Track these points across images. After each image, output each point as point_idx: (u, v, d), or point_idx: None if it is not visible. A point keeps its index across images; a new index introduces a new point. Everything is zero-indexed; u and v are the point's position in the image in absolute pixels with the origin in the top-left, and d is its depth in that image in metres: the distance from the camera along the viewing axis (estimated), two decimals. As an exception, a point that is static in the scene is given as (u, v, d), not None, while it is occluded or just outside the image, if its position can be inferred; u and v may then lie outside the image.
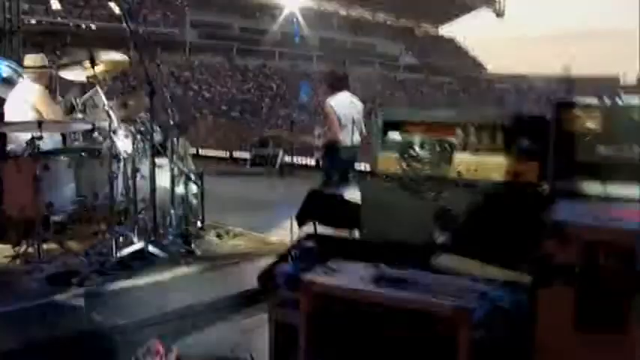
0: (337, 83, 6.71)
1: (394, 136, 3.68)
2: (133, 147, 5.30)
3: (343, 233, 4.48)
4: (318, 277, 2.40)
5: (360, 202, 4.44)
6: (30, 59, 5.86)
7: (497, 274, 2.89)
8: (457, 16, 75.00)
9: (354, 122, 6.46)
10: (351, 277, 2.41)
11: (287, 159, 13.08)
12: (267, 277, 2.97)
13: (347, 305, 2.30)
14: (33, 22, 36.77)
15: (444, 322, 2.16)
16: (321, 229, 4.85)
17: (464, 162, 3.48)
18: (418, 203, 3.44)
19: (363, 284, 2.33)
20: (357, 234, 4.73)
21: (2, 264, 4.82)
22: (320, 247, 3.13)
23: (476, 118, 3.57)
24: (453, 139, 3.58)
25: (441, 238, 3.38)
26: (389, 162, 3.62)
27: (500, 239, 3.22)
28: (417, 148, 3.62)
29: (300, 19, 54.33)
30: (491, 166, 3.43)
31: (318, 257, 3.00)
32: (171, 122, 5.93)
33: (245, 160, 14.03)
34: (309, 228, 5.34)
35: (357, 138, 6.55)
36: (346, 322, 2.34)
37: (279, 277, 2.84)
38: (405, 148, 3.58)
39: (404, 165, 3.57)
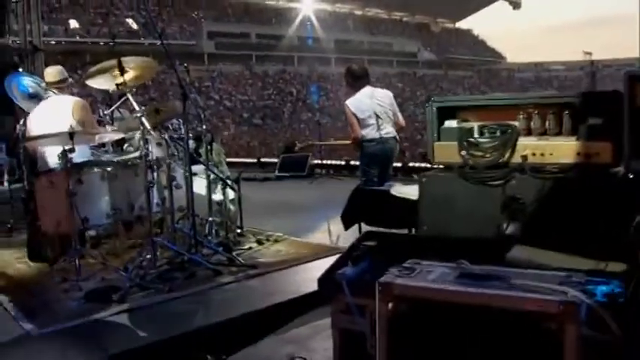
0: (356, 81, 6.53)
1: (451, 123, 3.44)
2: (167, 155, 5.11)
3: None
4: (396, 278, 2.15)
5: (409, 197, 4.23)
6: (51, 73, 5.70)
7: (579, 264, 2.62)
8: (474, 10, 74.47)
9: (377, 116, 6.28)
10: (433, 276, 2.16)
11: (315, 161, 12.89)
12: (328, 281, 2.72)
13: (432, 307, 2.06)
14: (53, 42, 37.09)
15: (546, 319, 1.90)
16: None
17: (529, 146, 3.22)
18: (482, 193, 3.20)
19: (449, 284, 2.08)
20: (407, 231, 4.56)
21: (41, 282, 4.63)
22: (382, 247, 2.89)
23: (539, 98, 3.33)
24: (515, 123, 3.33)
25: (510, 229, 3.13)
26: (447, 151, 3.39)
27: (576, 226, 2.97)
28: (476, 135, 3.38)
29: (315, 22, 54.32)
30: (559, 148, 3.18)
31: (382, 257, 2.77)
32: (204, 127, 5.74)
33: (274, 163, 13.84)
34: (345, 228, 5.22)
35: (387, 130, 6.33)
36: (433, 326, 2.09)
37: (341, 282, 2.59)
38: (463, 136, 3.34)
39: (464, 153, 3.32)
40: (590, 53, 72.14)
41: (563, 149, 3.18)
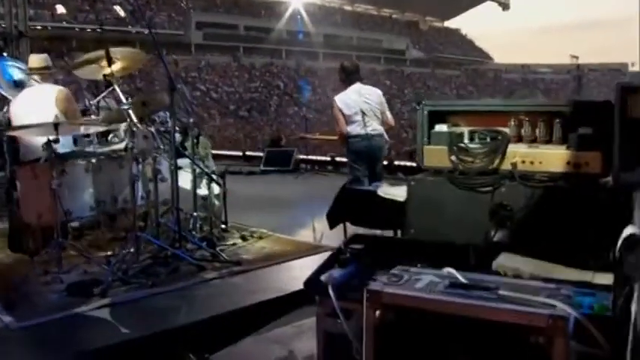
0: (347, 77, 6.61)
1: (441, 128, 3.43)
2: (153, 147, 5.06)
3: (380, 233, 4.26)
4: (386, 286, 2.14)
5: (396, 198, 4.21)
6: (35, 60, 5.59)
7: (565, 274, 2.62)
8: (463, 10, 74.66)
9: (364, 113, 6.37)
10: (421, 284, 2.15)
11: (301, 156, 12.86)
12: (314, 283, 2.70)
13: (420, 316, 2.04)
14: (39, 27, 36.67)
15: (535, 332, 1.89)
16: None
17: (519, 154, 3.21)
18: (471, 199, 3.19)
19: (437, 293, 2.06)
20: (392, 234, 4.54)
21: (21, 274, 4.56)
22: (369, 250, 2.87)
23: (530, 106, 3.32)
24: (505, 130, 3.32)
25: (498, 236, 3.13)
26: (437, 155, 3.37)
27: (564, 236, 2.96)
28: (466, 140, 3.37)
29: (305, 15, 54.17)
30: (549, 157, 3.17)
31: (369, 261, 2.75)
32: (191, 120, 5.69)
33: (259, 157, 13.79)
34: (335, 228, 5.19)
35: (373, 127, 6.40)
36: (420, 335, 2.08)
37: (328, 285, 2.57)
38: (453, 141, 3.33)
39: (453, 158, 3.31)
40: (577, 57, 72.71)
41: (552, 158, 3.17)
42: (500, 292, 2.07)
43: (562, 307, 1.95)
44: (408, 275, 2.24)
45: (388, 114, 6.63)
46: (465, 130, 3.43)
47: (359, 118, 6.37)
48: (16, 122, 5.19)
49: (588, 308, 2.08)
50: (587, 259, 2.68)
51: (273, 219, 6.83)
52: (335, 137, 7.22)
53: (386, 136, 6.60)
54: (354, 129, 6.38)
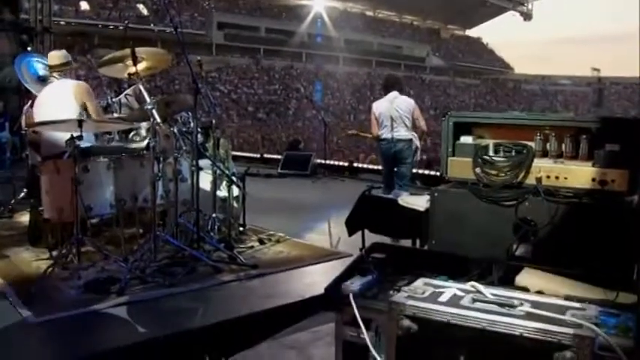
0: (385, 87, 7.63)
1: (467, 139, 3.40)
2: (175, 147, 5.08)
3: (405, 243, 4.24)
4: (409, 298, 2.12)
5: (416, 207, 4.19)
6: (54, 56, 5.60)
7: (588, 293, 2.59)
8: (484, 19, 74.35)
9: (392, 119, 7.28)
10: (444, 298, 2.13)
11: (319, 161, 12.84)
12: (334, 291, 2.69)
13: (442, 330, 2.03)
14: (62, 23, 36.97)
15: (559, 351, 1.87)
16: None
17: (544, 169, 3.18)
18: (494, 212, 3.16)
19: (460, 307, 2.04)
20: (410, 243, 4.52)
21: (40, 269, 4.59)
22: (391, 259, 2.85)
23: (557, 120, 3.29)
24: (531, 144, 3.30)
25: (520, 250, 3.10)
26: (461, 167, 3.35)
27: (587, 253, 2.93)
28: (491, 153, 3.34)
29: (327, 19, 54.20)
30: (574, 173, 3.14)
31: (390, 271, 2.74)
32: (213, 122, 5.70)
33: (276, 160, 13.80)
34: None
35: (399, 133, 7.30)
36: (441, 348, 2.06)
37: (348, 293, 2.56)
38: (478, 153, 3.30)
39: (478, 170, 3.29)
40: (598, 69, 72.06)
41: (578, 174, 3.14)
42: (525, 308, 2.05)
43: (588, 326, 1.92)
44: (431, 288, 2.23)
45: (421, 121, 7.50)
46: (490, 142, 3.41)
47: (388, 123, 7.31)
48: (37, 118, 5.23)
49: (613, 329, 2.06)
50: (610, 277, 2.65)
51: (290, 222, 6.84)
52: (370, 135, 8.10)
53: (417, 142, 7.47)
54: (383, 132, 7.38)
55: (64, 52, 5.67)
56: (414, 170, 10.35)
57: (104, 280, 4.41)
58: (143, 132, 5.45)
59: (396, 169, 7.51)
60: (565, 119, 3.43)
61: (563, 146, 3.26)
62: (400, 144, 7.32)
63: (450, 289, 2.25)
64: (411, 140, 7.36)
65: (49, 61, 5.62)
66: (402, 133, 7.30)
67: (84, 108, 5.08)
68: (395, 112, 7.28)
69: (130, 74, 5.02)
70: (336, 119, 39.27)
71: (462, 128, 3.49)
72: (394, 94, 7.40)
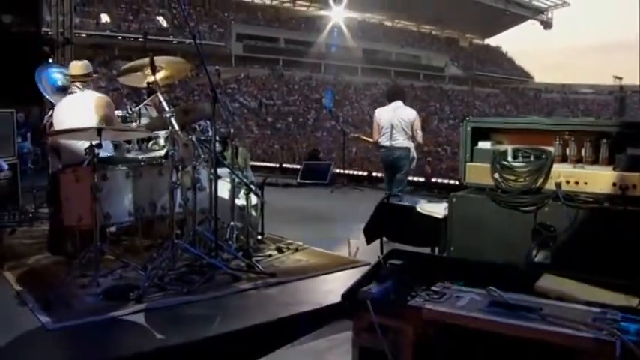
0: (390, 95, 7.93)
1: (485, 145, 3.38)
2: (193, 156, 5.10)
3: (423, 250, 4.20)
4: (427, 302, 2.10)
5: (435, 215, 4.17)
6: (76, 66, 5.62)
7: (608, 298, 2.54)
8: (504, 28, 74.07)
9: (393, 127, 7.53)
10: (462, 302, 2.11)
11: (337, 170, 12.82)
12: (352, 297, 2.67)
13: (460, 334, 2.00)
14: (84, 35, 37.43)
15: (579, 356, 1.84)
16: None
17: (563, 174, 3.15)
18: (513, 218, 3.13)
19: (479, 311, 2.02)
20: (429, 250, 4.48)
21: (60, 276, 4.62)
22: (408, 266, 2.83)
23: (576, 125, 3.25)
24: (550, 149, 3.26)
25: (539, 256, 3.06)
26: (479, 173, 3.32)
27: (607, 259, 2.89)
28: (510, 159, 3.31)
29: (345, 30, 54.29)
30: (594, 178, 3.10)
31: (408, 277, 2.71)
32: (231, 131, 5.72)
33: (295, 170, 13.81)
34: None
35: (398, 141, 7.56)
36: (459, 353, 2.03)
37: (366, 300, 2.54)
38: (497, 158, 3.28)
39: (496, 176, 3.26)
40: (620, 78, 71.30)
41: (598, 179, 3.10)
42: (544, 312, 2.02)
43: (610, 330, 1.89)
44: (449, 292, 2.20)
45: (419, 133, 7.67)
46: (509, 148, 3.38)
47: (387, 131, 7.58)
48: (57, 126, 5.28)
49: (634, 334, 2.02)
50: (631, 283, 2.60)
51: (308, 231, 6.81)
52: (371, 140, 8.24)
53: (414, 152, 7.71)
54: (383, 140, 7.66)
55: (86, 62, 5.68)
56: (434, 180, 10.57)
57: (122, 287, 4.42)
58: (162, 141, 5.46)
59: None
60: (585, 124, 3.40)
61: (583, 151, 3.23)
62: (398, 152, 7.61)
63: (468, 293, 2.22)
64: (408, 149, 7.62)
65: (72, 70, 5.63)
66: (402, 141, 7.57)
67: (104, 120, 5.11)
68: (396, 121, 7.54)
69: (148, 83, 5.06)
70: (355, 130, 39.21)
71: (480, 134, 3.47)
72: (398, 103, 7.68)
